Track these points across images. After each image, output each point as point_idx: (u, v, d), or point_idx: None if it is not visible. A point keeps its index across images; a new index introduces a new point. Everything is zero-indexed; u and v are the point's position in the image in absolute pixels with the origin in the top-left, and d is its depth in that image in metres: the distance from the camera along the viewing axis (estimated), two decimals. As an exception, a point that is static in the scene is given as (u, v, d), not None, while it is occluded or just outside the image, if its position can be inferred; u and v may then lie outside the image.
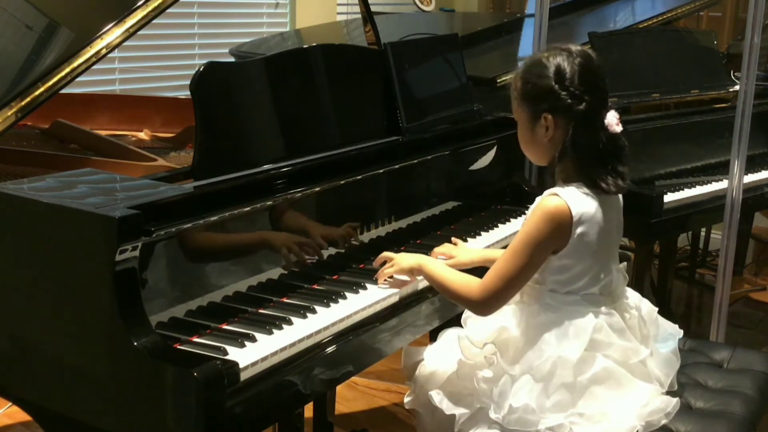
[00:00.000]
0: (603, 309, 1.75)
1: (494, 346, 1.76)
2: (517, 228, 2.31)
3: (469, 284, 1.78)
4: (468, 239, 2.26)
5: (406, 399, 1.93)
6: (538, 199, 1.74)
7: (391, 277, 1.93)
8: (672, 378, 1.84)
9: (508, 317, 1.79)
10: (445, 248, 2.09)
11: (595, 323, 1.72)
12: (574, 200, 1.70)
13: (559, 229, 1.69)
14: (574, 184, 1.72)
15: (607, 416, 1.66)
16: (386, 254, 1.96)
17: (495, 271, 1.74)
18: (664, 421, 1.72)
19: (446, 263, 1.97)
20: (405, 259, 1.91)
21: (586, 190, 1.71)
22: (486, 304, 1.75)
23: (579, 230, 1.69)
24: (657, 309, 1.88)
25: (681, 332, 1.93)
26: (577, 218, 1.68)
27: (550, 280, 1.75)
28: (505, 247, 1.80)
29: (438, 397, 1.82)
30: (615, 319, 1.76)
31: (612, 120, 1.72)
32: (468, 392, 1.77)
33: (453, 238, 2.18)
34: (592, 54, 1.75)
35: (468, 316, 1.89)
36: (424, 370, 1.89)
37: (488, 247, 2.22)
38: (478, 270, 1.86)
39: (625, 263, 1.84)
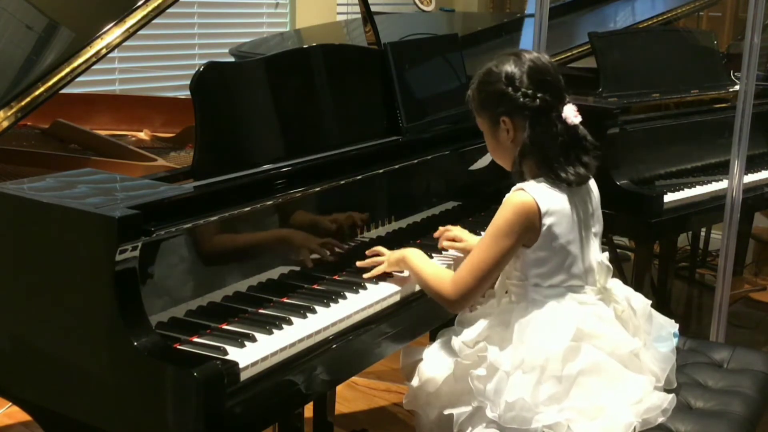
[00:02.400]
0: (589, 299, 1.79)
1: (486, 343, 1.77)
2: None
3: (443, 280, 1.82)
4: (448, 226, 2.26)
5: (405, 399, 1.93)
6: (506, 196, 1.78)
7: (391, 274, 1.95)
8: (670, 374, 1.84)
9: (498, 316, 1.82)
10: (456, 231, 2.12)
11: (581, 313, 1.75)
12: (540, 194, 1.74)
13: (527, 223, 1.73)
14: (540, 179, 1.77)
15: (603, 412, 1.67)
16: (378, 248, 1.99)
17: (464, 267, 1.78)
18: (661, 419, 1.73)
19: (457, 246, 2.07)
20: (392, 255, 1.95)
21: (551, 183, 1.76)
22: (457, 300, 1.80)
23: (547, 222, 1.73)
24: (650, 302, 1.90)
25: (676, 326, 1.94)
26: (544, 211, 1.73)
27: (531, 274, 1.78)
28: None
29: (437, 399, 1.82)
30: (601, 308, 1.79)
31: (570, 113, 1.77)
32: (465, 392, 1.77)
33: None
34: (540, 55, 1.82)
35: (461, 317, 1.91)
36: (423, 369, 1.90)
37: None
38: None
39: (607, 254, 1.87)
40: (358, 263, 1.97)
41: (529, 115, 1.76)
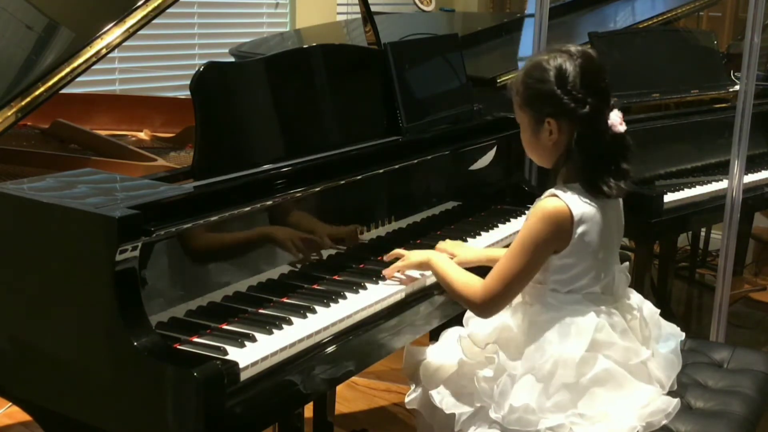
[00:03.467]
0: (604, 308, 1.76)
1: (496, 345, 1.76)
2: (518, 228, 2.31)
3: (472, 285, 1.77)
4: (468, 239, 2.26)
5: (407, 398, 1.93)
6: (537, 201, 1.74)
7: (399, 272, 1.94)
8: (673, 379, 1.84)
9: (510, 316, 1.79)
10: (446, 245, 2.07)
11: (597, 322, 1.72)
12: (574, 201, 1.70)
13: (559, 230, 1.69)
14: (574, 185, 1.72)
15: (607, 416, 1.66)
16: (398, 251, 1.97)
17: (495, 273, 1.74)
18: (664, 422, 1.72)
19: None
20: (415, 255, 1.91)
21: (586, 190, 1.71)
22: (487, 307, 1.75)
23: (580, 230, 1.69)
24: (659, 311, 1.88)
25: (683, 335, 1.93)
26: (578, 218, 1.69)
27: (552, 279, 1.75)
28: (507, 246, 1.81)
29: (438, 397, 1.82)
30: (617, 318, 1.76)
31: (615, 120, 1.71)
32: (468, 391, 1.77)
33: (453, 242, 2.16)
34: (593, 54, 1.74)
35: (470, 315, 1.89)
36: (426, 369, 1.90)
37: (488, 246, 2.22)
38: (484, 269, 1.85)
39: (627, 263, 1.87)
40: (384, 262, 1.94)
41: (577, 121, 1.69)
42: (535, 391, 1.67)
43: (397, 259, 1.96)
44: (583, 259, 1.72)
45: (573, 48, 1.73)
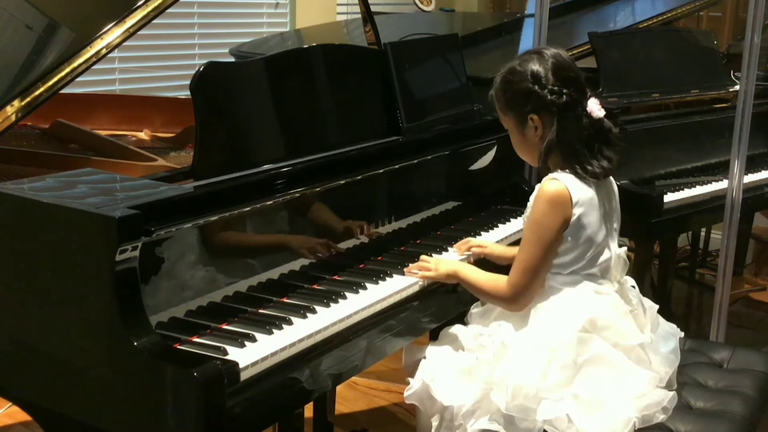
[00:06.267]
0: (605, 290, 1.81)
1: (498, 326, 1.81)
2: (518, 228, 2.32)
3: (498, 283, 1.86)
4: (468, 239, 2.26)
5: (406, 393, 1.93)
6: (537, 186, 1.81)
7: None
8: (671, 376, 1.85)
9: None
10: (475, 241, 2.18)
11: (596, 302, 1.78)
12: (572, 184, 1.77)
13: (563, 211, 1.76)
14: (567, 172, 1.80)
15: (604, 405, 1.69)
16: (424, 257, 2.01)
17: (516, 266, 1.82)
18: (661, 417, 1.74)
19: (483, 251, 2.11)
20: (443, 266, 1.97)
21: (577, 176, 1.79)
22: (515, 300, 1.83)
23: (577, 212, 1.77)
24: (657, 307, 1.92)
25: (681, 333, 1.96)
26: (576, 200, 1.76)
27: (554, 263, 1.81)
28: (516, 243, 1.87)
29: (438, 390, 1.82)
30: (617, 300, 1.82)
31: (593, 106, 1.81)
32: (468, 385, 1.78)
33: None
34: (561, 51, 1.85)
35: (473, 312, 1.95)
36: (425, 365, 1.90)
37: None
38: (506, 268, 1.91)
39: (625, 248, 1.92)
40: (406, 270, 1.98)
41: (556, 112, 1.79)
42: (537, 369, 1.70)
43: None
44: (581, 242, 1.79)
45: (543, 49, 1.85)
